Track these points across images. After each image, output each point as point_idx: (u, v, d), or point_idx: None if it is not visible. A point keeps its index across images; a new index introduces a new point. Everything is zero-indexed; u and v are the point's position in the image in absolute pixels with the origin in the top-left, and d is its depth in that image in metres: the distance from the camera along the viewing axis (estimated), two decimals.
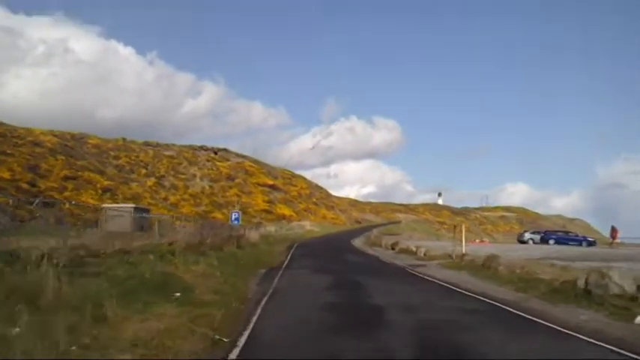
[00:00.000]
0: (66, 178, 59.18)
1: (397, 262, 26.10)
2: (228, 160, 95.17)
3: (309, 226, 77.59)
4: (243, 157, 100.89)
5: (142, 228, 30.91)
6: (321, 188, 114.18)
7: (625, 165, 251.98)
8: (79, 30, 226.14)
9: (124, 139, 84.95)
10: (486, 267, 18.31)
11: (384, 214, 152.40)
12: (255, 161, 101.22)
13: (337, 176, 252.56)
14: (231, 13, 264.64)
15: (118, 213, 32.42)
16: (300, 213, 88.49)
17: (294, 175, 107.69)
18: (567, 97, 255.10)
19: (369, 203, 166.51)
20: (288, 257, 28.25)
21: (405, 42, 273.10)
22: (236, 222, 28.76)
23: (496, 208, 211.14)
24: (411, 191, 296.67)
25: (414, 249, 31.52)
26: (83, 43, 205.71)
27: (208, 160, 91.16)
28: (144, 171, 76.78)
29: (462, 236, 27.61)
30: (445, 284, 15.79)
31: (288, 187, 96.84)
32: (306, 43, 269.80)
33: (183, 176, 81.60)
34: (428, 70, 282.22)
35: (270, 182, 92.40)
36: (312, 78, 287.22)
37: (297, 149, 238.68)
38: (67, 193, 54.87)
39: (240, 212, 29.95)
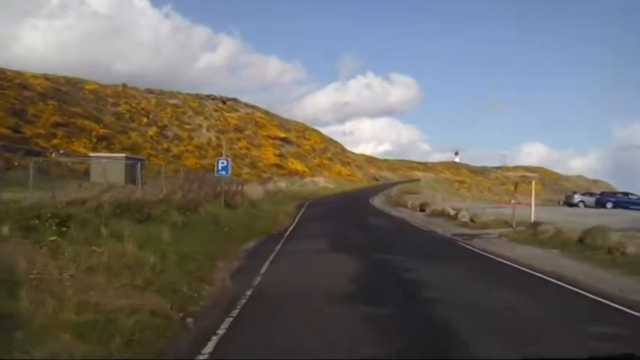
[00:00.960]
0: (56, 125, 53.52)
1: (436, 229, 20.22)
2: (237, 110, 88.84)
3: (323, 183, 71.82)
4: (254, 107, 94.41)
5: (133, 181, 25.66)
6: (336, 143, 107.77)
7: None
8: None
9: (124, 85, 78.76)
10: (589, 244, 12.19)
11: (401, 171, 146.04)
12: (266, 112, 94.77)
13: (353, 134, 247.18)
14: None
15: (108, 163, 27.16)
16: (313, 168, 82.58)
17: (307, 128, 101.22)
18: (587, 57, 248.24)
19: (386, 160, 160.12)
20: (296, 220, 22.63)
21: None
22: (223, 172, 22.55)
23: (516, 168, 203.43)
24: (427, 150, 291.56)
25: (452, 212, 25.45)
26: None
27: (216, 110, 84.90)
28: (145, 120, 70.96)
29: (531, 199, 21.37)
30: (553, 280, 9.68)
31: (301, 141, 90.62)
32: None
33: (188, 126, 75.69)
34: (446, 26, 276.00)
35: (282, 135, 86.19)
36: (329, 33, 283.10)
37: (312, 104, 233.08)
38: (55, 141, 49.37)
39: (229, 159, 23.44)
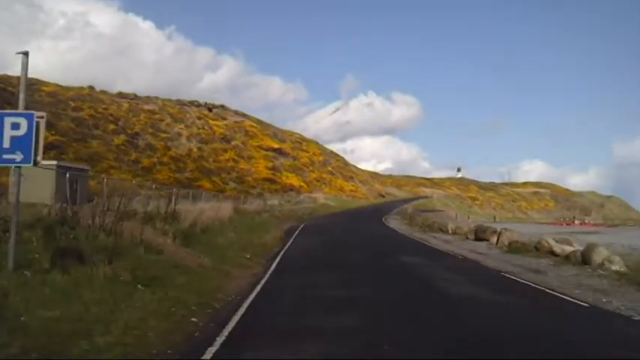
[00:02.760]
0: None
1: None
2: (224, 118, 77.96)
3: (322, 199, 60.62)
4: (244, 115, 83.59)
5: (74, 199, 15.23)
6: (337, 156, 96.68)
7: None
8: (100, 3, 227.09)
9: (90, 88, 67.90)
10: None
11: (408, 187, 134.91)
12: (258, 121, 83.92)
13: (354, 152, 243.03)
14: None
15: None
16: (311, 184, 71.43)
17: (304, 139, 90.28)
18: (585, 75, 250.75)
19: (390, 176, 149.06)
20: (270, 270, 11.40)
21: (424, 18, 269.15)
22: (15, 157, 7.13)
23: (525, 184, 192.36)
24: (427, 167, 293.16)
25: (556, 246, 14.08)
26: (103, 16, 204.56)
27: (200, 118, 73.97)
28: (112, 127, 59.91)
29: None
30: None
31: (298, 153, 79.59)
32: (325, 18, 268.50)
33: (164, 135, 64.67)
34: (447, 46, 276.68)
35: (276, 145, 75.20)
36: (331, 54, 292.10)
37: (314, 122, 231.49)
38: None
39: (34, 117, 7.58)
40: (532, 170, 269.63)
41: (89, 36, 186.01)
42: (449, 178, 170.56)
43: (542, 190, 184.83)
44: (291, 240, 20.17)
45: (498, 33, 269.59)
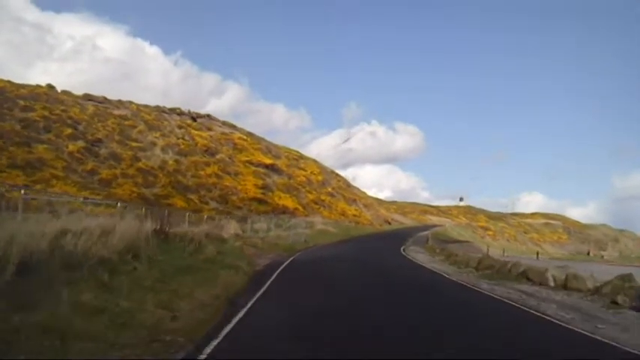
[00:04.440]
0: None
1: None
2: (210, 129, 67.64)
3: (321, 224, 49.94)
4: (233, 127, 73.27)
5: None
6: (338, 176, 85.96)
7: None
8: (108, 27, 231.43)
9: (50, 87, 57.70)
10: None
11: (413, 215, 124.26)
12: (249, 134, 73.57)
13: (355, 179, 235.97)
14: (256, 16, 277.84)
15: None
16: (308, 206, 60.74)
17: (302, 157, 79.80)
18: (585, 109, 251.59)
19: (394, 202, 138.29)
20: None
21: (427, 51, 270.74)
22: None
23: (534, 215, 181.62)
24: (427, 197, 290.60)
25: None
26: (111, 40, 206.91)
27: (180, 127, 63.66)
28: (69, 131, 49.48)
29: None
30: None
31: (294, 171, 69.02)
32: (329, 47, 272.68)
33: (134, 144, 54.24)
34: (450, 78, 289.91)
35: (268, 161, 64.70)
36: (334, 82, 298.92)
37: (318, 150, 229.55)
38: None
39: None
40: (532, 202, 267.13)
41: (96, 59, 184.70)
42: (456, 207, 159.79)
43: (553, 222, 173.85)
44: (252, 301, 9.48)
45: (499, 68, 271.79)
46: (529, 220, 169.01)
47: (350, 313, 8.67)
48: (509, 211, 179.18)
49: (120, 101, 63.32)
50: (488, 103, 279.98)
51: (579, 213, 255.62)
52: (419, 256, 27.34)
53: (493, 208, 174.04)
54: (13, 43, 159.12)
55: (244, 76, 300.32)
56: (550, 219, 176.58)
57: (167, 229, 13.71)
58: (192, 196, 49.66)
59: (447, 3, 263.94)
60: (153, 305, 7.29)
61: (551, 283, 13.79)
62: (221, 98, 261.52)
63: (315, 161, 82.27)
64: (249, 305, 8.95)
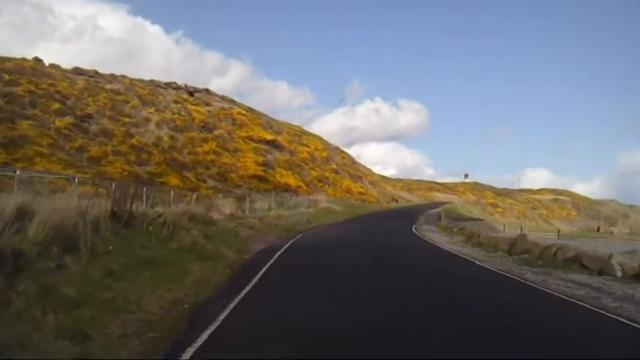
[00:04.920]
0: None
1: None
2: (208, 104, 64.47)
3: (325, 202, 47.18)
4: (232, 102, 70.05)
5: None
6: (343, 152, 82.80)
7: None
8: (108, 7, 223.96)
9: (37, 60, 54.54)
10: None
11: (420, 192, 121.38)
12: (250, 109, 70.36)
13: (359, 157, 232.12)
14: None
15: None
16: (311, 183, 57.88)
17: (304, 132, 76.63)
18: (590, 84, 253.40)
19: (400, 180, 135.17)
20: None
21: (432, 27, 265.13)
22: None
23: (541, 190, 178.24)
24: (431, 174, 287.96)
25: None
26: (112, 20, 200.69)
27: (176, 102, 60.55)
28: (57, 106, 46.52)
29: None
30: None
31: (296, 147, 66.00)
32: (333, 25, 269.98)
33: (127, 119, 51.29)
34: (455, 54, 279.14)
35: (269, 137, 61.66)
36: (338, 59, 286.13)
37: (321, 128, 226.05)
38: None
39: None
40: (537, 178, 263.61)
41: (98, 39, 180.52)
42: (462, 183, 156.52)
43: (562, 198, 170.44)
44: (226, 312, 6.63)
45: (505, 43, 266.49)
46: (537, 196, 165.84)
47: (369, 338, 5.81)
48: (516, 188, 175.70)
49: (112, 75, 60.15)
50: (493, 79, 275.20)
51: (585, 189, 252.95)
52: (435, 236, 24.51)
53: (499, 185, 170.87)
54: (15, 24, 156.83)
55: (247, 55, 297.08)
56: (558, 195, 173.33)
57: (132, 209, 10.86)
58: (189, 174, 46.85)
59: None
60: (52, 334, 4.47)
61: (619, 273, 10.93)
62: (224, 77, 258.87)
63: (318, 137, 79.16)
64: (219, 321, 6.12)
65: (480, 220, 45.82)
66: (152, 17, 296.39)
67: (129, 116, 52.30)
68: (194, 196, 25.68)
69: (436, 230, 29.43)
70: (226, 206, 28.32)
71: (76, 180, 11.47)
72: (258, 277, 9.76)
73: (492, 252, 17.08)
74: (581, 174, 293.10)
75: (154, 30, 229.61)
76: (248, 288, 8.51)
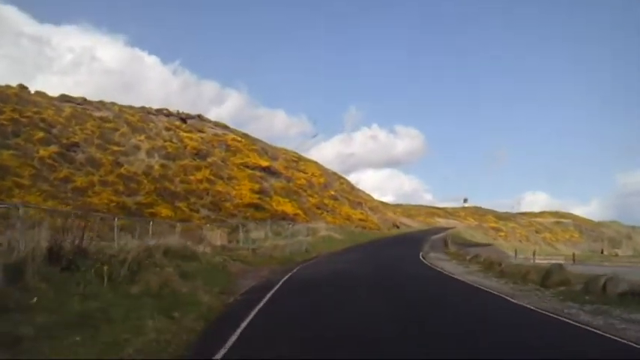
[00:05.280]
0: None
1: None
2: (201, 131, 62.46)
3: (324, 230, 44.73)
4: (226, 127, 68.07)
5: None
6: (341, 178, 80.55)
7: None
8: (106, 38, 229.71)
9: (22, 87, 52.62)
10: None
11: (420, 217, 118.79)
12: (244, 135, 68.35)
13: (357, 184, 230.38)
14: (254, 24, 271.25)
15: None
16: (310, 211, 55.47)
17: (301, 159, 74.47)
18: (585, 107, 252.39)
19: (400, 205, 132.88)
20: None
21: (427, 50, 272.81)
22: None
23: (543, 214, 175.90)
24: (430, 200, 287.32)
25: None
26: (110, 51, 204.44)
27: (168, 129, 58.53)
28: (41, 134, 44.33)
29: None
30: None
31: (293, 173, 63.79)
32: (329, 52, 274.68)
33: (116, 148, 49.11)
34: (451, 80, 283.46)
35: (265, 163, 59.48)
36: (334, 87, 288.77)
37: (319, 155, 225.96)
38: None
39: None
40: (536, 201, 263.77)
41: (95, 71, 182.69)
42: (463, 208, 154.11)
43: (564, 221, 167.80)
44: None
45: (498, 68, 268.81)
46: (539, 219, 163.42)
47: None
48: (515, 211, 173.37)
49: (101, 102, 58.22)
50: (489, 103, 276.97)
51: (583, 211, 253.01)
52: (447, 265, 22.02)
53: (499, 209, 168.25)
54: (13, 56, 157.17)
55: (243, 84, 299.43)
56: (560, 217, 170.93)
57: (82, 245, 8.49)
58: (181, 204, 44.46)
59: (445, 2, 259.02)
60: None
61: None
62: (221, 106, 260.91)
63: (315, 163, 76.98)
64: None
65: (489, 245, 43.30)
66: (149, 47, 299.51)
67: (118, 144, 50.15)
68: (178, 226, 23.18)
69: (445, 258, 26.93)
70: (217, 237, 25.85)
71: (20, 210, 9.08)
72: (235, 336, 7.27)
73: (521, 284, 14.66)
74: (579, 196, 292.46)
75: (151, 60, 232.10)
76: (219, 357, 6.06)
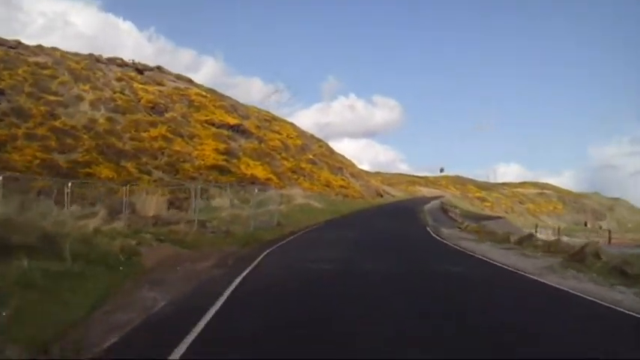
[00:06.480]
0: None
1: None
2: (160, 84, 54.35)
3: (301, 198, 37.95)
4: (190, 81, 60.02)
5: None
6: (320, 141, 73.26)
7: (618, 147, 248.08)
8: (80, 3, 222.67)
9: None
10: None
11: (401, 186, 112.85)
12: (211, 90, 60.40)
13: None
14: None
15: None
16: (284, 176, 48.46)
17: (276, 119, 66.91)
18: (560, 80, 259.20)
19: (379, 173, 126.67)
20: None
21: (406, 21, 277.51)
22: None
23: (524, 184, 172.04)
24: (405, 169, 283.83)
25: None
26: (83, 16, 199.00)
27: (120, 80, 50.32)
28: None
29: None
30: None
31: (265, 134, 56.39)
32: (307, 20, 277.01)
33: (52, 98, 41.08)
34: (429, 50, 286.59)
35: (233, 121, 51.98)
36: (313, 56, 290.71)
37: (296, 123, 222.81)
38: None
39: None
40: (508, 172, 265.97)
41: (68, 36, 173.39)
42: (444, 177, 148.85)
43: (547, 191, 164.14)
44: None
45: (478, 40, 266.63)
46: (521, 190, 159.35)
47: None
48: (493, 181, 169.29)
49: (40, 47, 49.62)
50: (464, 74, 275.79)
51: (555, 182, 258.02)
52: (486, 250, 15.39)
53: (476, 179, 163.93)
54: None
55: (219, 51, 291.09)
56: (541, 188, 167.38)
57: None
58: (128, 164, 36.98)
59: None
60: None
61: None
62: (197, 73, 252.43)
63: (291, 124, 69.50)
64: None
65: (500, 218, 36.99)
66: (124, 14, 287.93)
67: (55, 94, 42.07)
68: (69, 186, 15.86)
69: (469, 237, 20.40)
70: (152, 205, 18.64)
71: None
72: None
73: (603, 279, 7.98)
74: (551, 168, 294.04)
75: (126, 26, 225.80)
76: None
